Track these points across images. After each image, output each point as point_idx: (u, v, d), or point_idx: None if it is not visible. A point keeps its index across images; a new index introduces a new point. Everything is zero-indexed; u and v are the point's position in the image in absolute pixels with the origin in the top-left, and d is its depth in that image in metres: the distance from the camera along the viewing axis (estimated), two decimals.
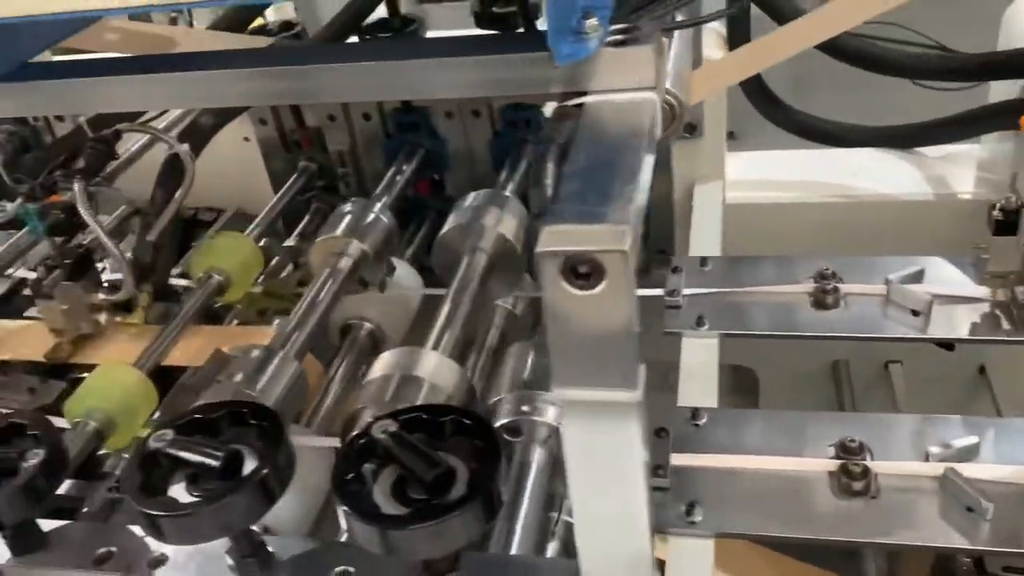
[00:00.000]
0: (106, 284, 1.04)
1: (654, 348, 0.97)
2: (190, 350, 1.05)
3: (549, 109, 1.26)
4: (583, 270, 0.36)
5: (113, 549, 0.58)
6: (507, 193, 1.16)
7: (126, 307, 1.06)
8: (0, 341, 1.09)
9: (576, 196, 0.38)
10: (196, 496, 0.50)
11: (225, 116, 1.21)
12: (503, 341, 1.14)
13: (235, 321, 1.17)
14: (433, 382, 0.83)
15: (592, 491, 0.43)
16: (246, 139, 1.39)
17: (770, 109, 1.35)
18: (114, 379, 0.92)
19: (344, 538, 0.58)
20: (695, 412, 0.87)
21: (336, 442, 0.94)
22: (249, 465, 0.51)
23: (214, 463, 0.50)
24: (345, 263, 1.07)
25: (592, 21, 0.48)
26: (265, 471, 0.49)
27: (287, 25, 1.30)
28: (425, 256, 1.33)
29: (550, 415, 0.74)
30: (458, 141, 1.32)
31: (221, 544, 0.56)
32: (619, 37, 0.49)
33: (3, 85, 0.57)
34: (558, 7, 0.45)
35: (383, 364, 0.86)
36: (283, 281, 1.18)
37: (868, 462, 0.78)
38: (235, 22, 1.11)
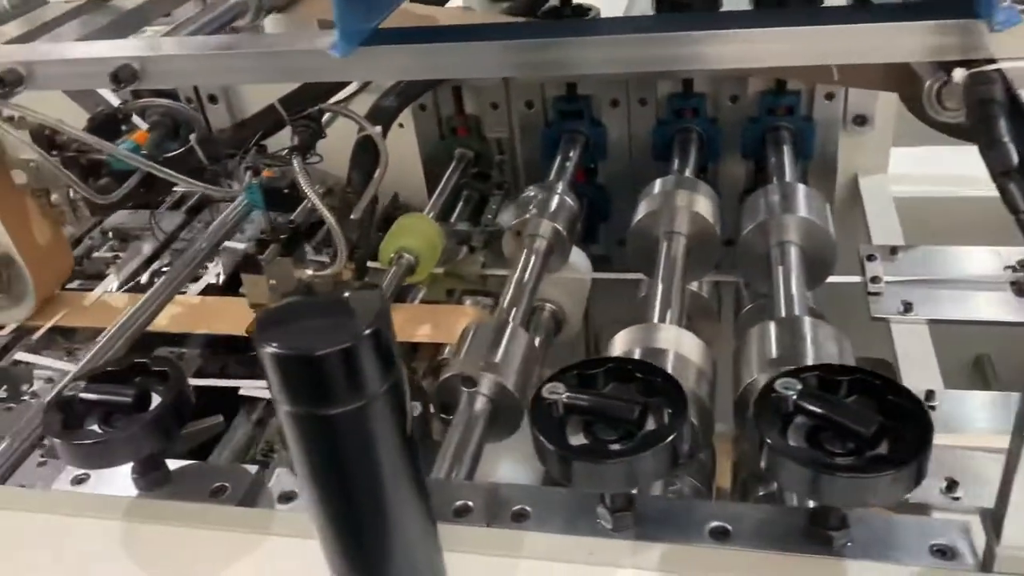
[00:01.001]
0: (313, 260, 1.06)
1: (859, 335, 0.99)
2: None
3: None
4: None
5: (470, 503, 0.59)
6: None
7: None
8: (199, 316, 1.10)
9: None
10: (594, 445, 0.52)
11: (407, 98, 1.22)
12: (690, 322, 1.16)
13: (417, 300, 1.18)
14: (678, 352, 0.84)
15: None
16: (401, 125, 1.40)
17: (919, 108, 1.35)
18: None
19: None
20: (928, 394, 0.89)
21: None
22: (651, 423, 0.52)
23: (628, 416, 0.51)
24: (540, 243, 1.09)
25: None
26: (675, 435, 0.50)
27: None
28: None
29: None
30: (619, 129, 1.33)
31: (587, 498, 0.57)
32: None
33: (366, 49, 0.59)
34: None
35: (622, 341, 0.87)
36: (467, 261, 1.19)
37: None
38: None
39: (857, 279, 1.09)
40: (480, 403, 0.84)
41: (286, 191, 1.00)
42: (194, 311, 1.12)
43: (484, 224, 1.30)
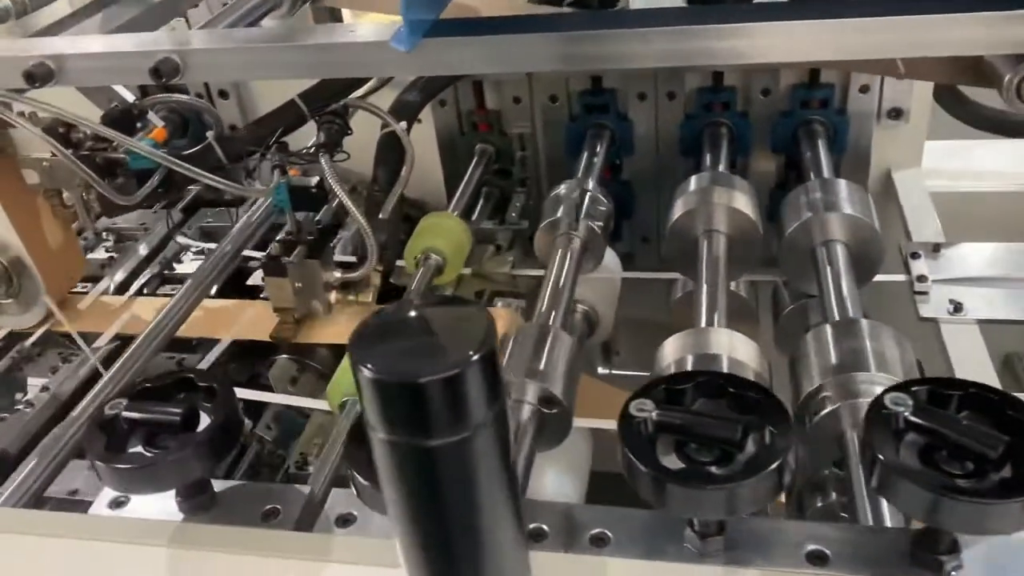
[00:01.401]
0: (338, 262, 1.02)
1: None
2: None
3: None
4: None
5: (544, 527, 0.55)
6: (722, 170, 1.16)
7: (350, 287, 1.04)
8: (218, 321, 1.06)
9: None
10: (691, 468, 0.48)
11: (429, 93, 1.18)
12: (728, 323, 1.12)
13: None
14: (733, 357, 0.81)
15: None
16: (419, 120, 1.36)
17: (951, 102, 1.32)
18: None
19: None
20: None
21: (593, 423, 0.92)
22: (750, 444, 0.48)
23: (730, 436, 0.47)
24: (575, 243, 1.05)
25: None
26: (781, 459, 0.47)
27: None
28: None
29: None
30: (646, 124, 1.29)
31: (671, 520, 0.54)
32: None
33: (430, 41, 0.55)
34: None
35: (672, 348, 0.84)
36: (496, 262, 1.15)
37: None
38: None
39: (898, 278, 1.06)
40: (527, 412, 0.80)
41: (314, 190, 0.96)
42: (212, 316, 1.08)
43: (509, 222, 1.26)
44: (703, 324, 0.89)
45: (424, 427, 0.37)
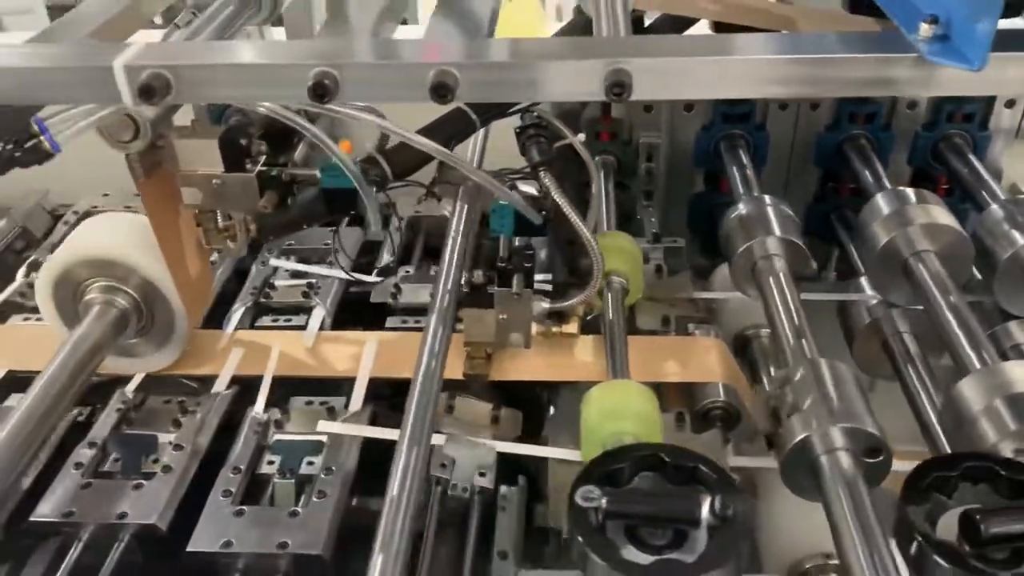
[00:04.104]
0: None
1: None
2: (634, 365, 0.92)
3: None
4: None
5: None
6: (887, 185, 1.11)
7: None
8: (398, 357, 0.94)
9: None
10: None
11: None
12: None
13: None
14: None
15: None
16: None
17: None
18: (628, 399, 0.80)
19: None
20: None
21: None
22: None
23: None
24: (782, 265, 0.98)
25: None
26: None
27: None
28: None
29: None
30: (783, 134, 1.24)
31: None
32: None
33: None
34: None
35: (974, 393, 0.78)
36: (675, 284, 1.07)
37: None
38: None
39: None
40: (847, 462, 0.73)
41: (544, 213, 0.85)
42: (391, 351, 0.95)
43: (661, 240, 1.18)
44: (972, 358, 0.84)
45: None
